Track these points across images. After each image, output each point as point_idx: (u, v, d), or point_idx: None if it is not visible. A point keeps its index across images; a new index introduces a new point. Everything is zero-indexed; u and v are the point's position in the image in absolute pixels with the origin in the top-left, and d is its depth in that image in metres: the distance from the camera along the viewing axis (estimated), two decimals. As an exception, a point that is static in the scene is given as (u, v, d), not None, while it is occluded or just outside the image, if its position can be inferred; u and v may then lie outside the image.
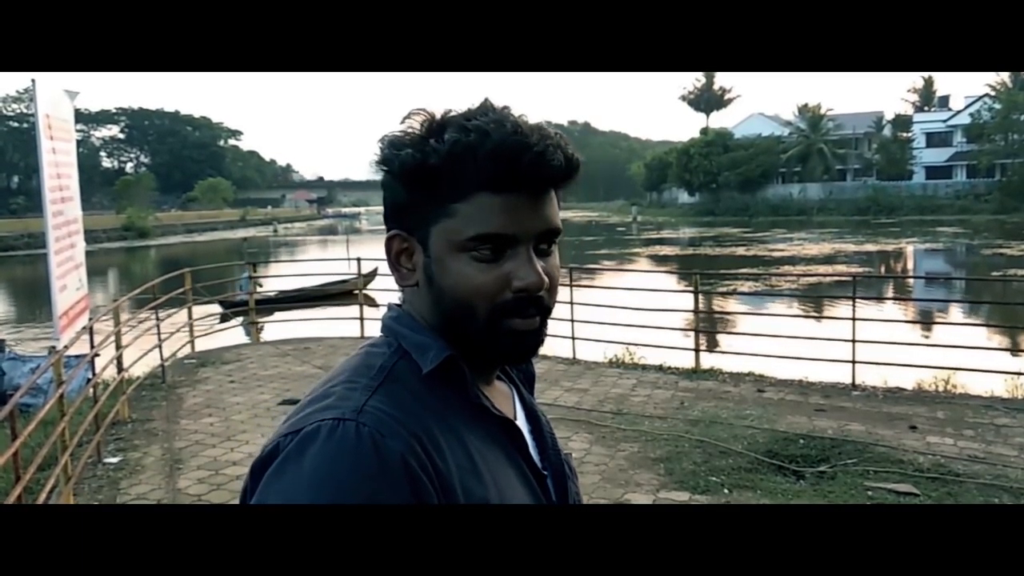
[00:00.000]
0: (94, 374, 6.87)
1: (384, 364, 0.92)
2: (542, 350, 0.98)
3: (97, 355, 6.84)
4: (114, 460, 6.34)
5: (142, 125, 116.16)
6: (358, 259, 11.71)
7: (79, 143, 8.35)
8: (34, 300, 23.87)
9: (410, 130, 0.92)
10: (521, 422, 1.05)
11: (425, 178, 0.90)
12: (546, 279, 0.92)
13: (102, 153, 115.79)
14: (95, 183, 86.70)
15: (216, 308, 15.81)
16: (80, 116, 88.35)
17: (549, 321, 0.97)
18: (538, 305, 0.93)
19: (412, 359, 0.93)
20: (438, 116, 0.92)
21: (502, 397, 1.04)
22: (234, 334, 11.95)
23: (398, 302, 1.01)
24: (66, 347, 5.69)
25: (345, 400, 0.86)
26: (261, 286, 17.87)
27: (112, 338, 7.36)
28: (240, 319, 16.81)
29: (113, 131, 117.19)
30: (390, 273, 0.98)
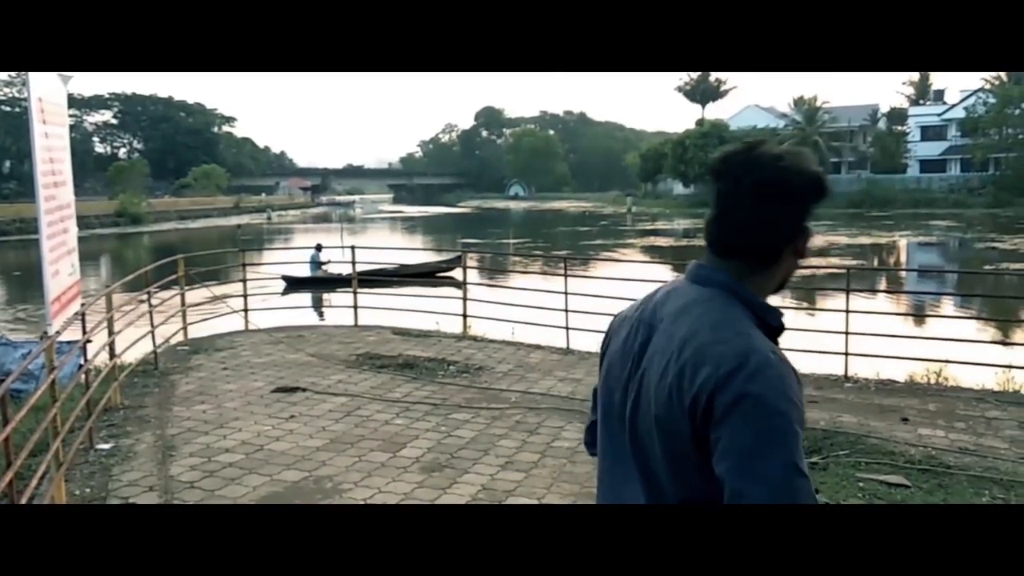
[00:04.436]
0: (86, 360, 6.85)
1: (748, 317, 1.42)
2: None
3: (89, 341, 6.82)
4: (106, 447, 6.33)
5: (135, 111, 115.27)
6: (352, 247, 11.69)
7: (71, 128, 8.30)
8: (25, 286, 23.78)
9: (795, 160, 1.43)
10: None
11: (823, 196, 1.45)
12: None
13: (95, 138, 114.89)
14: (88, 168, 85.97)
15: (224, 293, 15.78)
16: (73, 101, 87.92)
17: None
18: None
19: (752, 313, 1.43)
20: (792, 154, 1.46)
21: None
22: (226, 321, 11.88)
23: (704, 263, 1.50)
24: (58, 332, 5.67)
25: (758, 339, 1.38)
26: (328, 264, 19.38)
27: (104, 324, 7.33)
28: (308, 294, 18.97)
29: (106, 116, 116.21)
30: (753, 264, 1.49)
